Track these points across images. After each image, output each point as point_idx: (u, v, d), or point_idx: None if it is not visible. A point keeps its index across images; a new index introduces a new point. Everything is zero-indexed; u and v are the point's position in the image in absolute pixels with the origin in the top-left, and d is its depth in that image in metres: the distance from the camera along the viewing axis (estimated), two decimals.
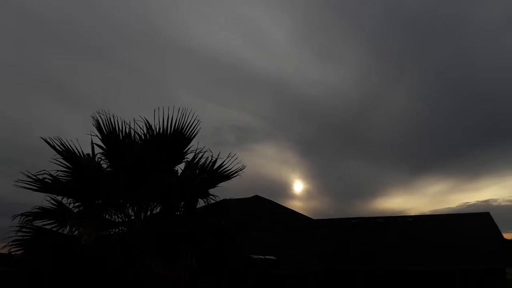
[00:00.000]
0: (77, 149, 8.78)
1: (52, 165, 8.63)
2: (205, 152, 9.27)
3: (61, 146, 8.61)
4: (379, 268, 17.35)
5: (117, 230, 8.64)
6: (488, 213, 20.45)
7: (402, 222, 21.29)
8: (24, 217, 8.23)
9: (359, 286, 17.56)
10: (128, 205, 8.76)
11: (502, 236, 18.43)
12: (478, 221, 19.81)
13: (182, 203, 9.18)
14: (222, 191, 9.67)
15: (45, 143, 8.65)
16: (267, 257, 12.22)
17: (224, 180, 9.48)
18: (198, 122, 9.23)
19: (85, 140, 8.98)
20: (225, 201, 9.57)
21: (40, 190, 8.47)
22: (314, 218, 24.51)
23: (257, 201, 22.20)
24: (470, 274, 16.29)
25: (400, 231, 19.99)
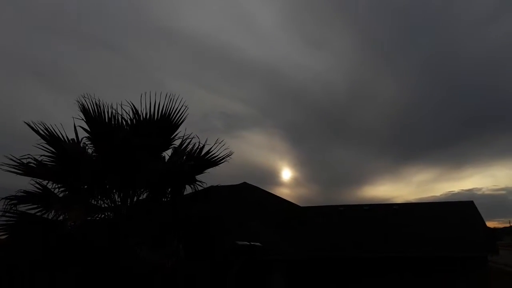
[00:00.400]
0: (61, 133, 8.62)
1: (37, 149, 8.50)
2: (192, 138, 9.22)
3: (44, 131, 8.45)
4: (365, 255, 17.51)
5: (103, 215, 8.57)
6: (472, 201, 20.67)
7: (388, 210, 21.44)
8: (8, 201, 8.12)
9: (345, 272, 17.73)
10: (114, 190, 8.67)
11: (485, 225, 18.69)
12: (462, 209, 20.02)
13: (169, 189, 9.11)
14: (210, 177, 9.63)
15: (29, 127, 8.49)
16: (252, 243, 12.22)
17: (212, 167, 9.43)
18: (186, 108, 9.15)
19: (71, 124, 8.84)
20: (212, 188, 9.54)
21: (24, 174, 8.34)
22: (302, 205, 24.56)
23: (245, 188, 22.15)
24: (454, 261, 16.53)
25: (386, 219, 20.14)
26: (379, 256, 17.31)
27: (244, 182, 22.66)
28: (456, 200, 22.66)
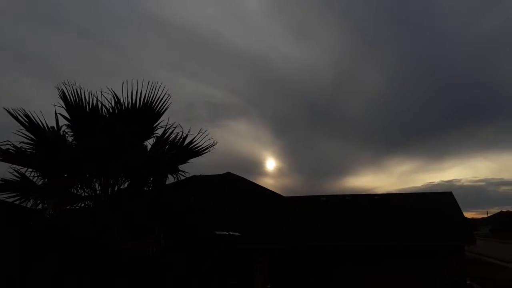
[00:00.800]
0: (41, 121, 8.37)
1: (16, 136, 8.26)
2: (175, 127, 9.05)
3: (24, 118, 8.20)
4: (346, 244, 17.65)
5: (83, 204, 8.37)
6: (451, 192, 20.99)
7: (369, 200, 21.64)
8: None
9: (326, 260, 17.85)
10: (94, 179, 8.47)
11: (463, 215, 18.98)
12: (441, 200, 20.31)
13: (151, 178, 8.96)
14: (193, 167, 9.52)
15: (8, 114, 8.23)
16: (231, 233, 12.17)
17: (195, 156, 9.30)
18: (169, 97, 8.93)
19: (51, 111, 8.60)
20: (195, 178, 9.41)
21: (3, 160, 8.10)
22: (285, 195, 24.65)
23: (228, 178, 22.11)
24: (432, 250, 16.78)
25: (367, 209, 20.33)
26: (360, 244, 17.48)
27: (228, 172, 22.62)
28: (436, 191, 23.00)
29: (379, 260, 17.28)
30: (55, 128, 8.57)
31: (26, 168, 8.24)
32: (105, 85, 8.46)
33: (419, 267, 16.84)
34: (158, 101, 8.88)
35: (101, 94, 8.41)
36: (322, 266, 17.84)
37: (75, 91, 8.38)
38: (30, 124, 8.27)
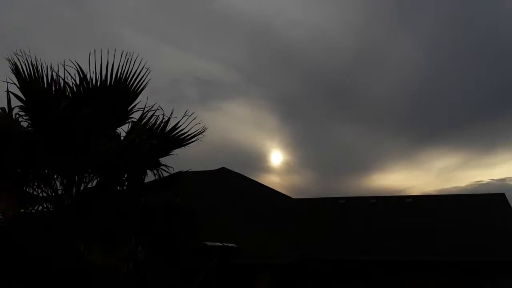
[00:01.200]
0: None
1: None
2: (156, 110, 9.10)
3: None
4: (370, 258, 17.73)
5: (41, 207, 8.44)
6: (504, 194, 21.00)
7: (400, 204, 21.69)
8: None
9: (344, 278, 17.95)
10: (55, 176, 8.54)
11: None
12: (491, 203, 20.36)
13: (126, 175, 9.03)
14: (179, 161, 9.58)
15: None
16: (225, 244, 12.27)
17: (180, 146, 9.38)
18: (148, 71, 8.99)
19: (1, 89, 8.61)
20: (181, 174, 9.49)
21: None
22: (294, 197, 24.77)
23: (223, 174, 22.20)
24: (479, 267, 16.83)
25: (398, 214, 20.39)
26: (387, 259, 17.57)
27: (223, 168, 22.73)
28: (485, 192, 23.03)
29: (409, 277, 17.38)
30: (6, 111, 8.59)
31: None
32: (66, 54, 8.46)
33: (462, 286, 16.93)
34: (135, 77, 8.95)
35: (64, 68, 8.43)
36: (338, 285, 17.96)
37: (30, 64, 8.39)
38: None
